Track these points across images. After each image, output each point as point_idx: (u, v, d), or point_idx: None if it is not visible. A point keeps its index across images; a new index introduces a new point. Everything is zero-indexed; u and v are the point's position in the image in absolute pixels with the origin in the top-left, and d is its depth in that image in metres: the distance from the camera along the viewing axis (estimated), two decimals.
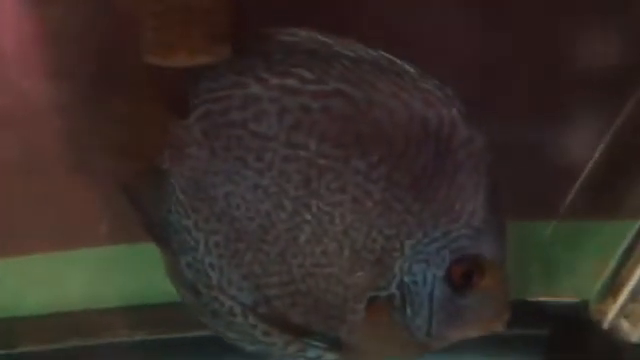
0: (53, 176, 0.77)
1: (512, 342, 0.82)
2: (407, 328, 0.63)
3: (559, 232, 0.84)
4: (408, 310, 0.63)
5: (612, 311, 0.82)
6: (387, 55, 0.61)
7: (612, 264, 0.82)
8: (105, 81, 0.68)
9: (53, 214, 0.80)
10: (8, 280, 0.83)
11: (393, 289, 0.63)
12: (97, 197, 0.77)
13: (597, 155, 0.81)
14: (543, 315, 0.84)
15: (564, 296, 0.85)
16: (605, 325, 0.82)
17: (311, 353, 0.66)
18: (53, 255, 0.83)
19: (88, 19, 0.70)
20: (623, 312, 0.81)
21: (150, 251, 0.68)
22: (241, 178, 0.63)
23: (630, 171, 0.82)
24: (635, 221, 0.81)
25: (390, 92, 0.60)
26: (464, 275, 0.62)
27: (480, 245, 0.61)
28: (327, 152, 0.61)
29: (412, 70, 0.61)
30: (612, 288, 0.82)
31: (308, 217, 0.62)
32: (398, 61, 0.61)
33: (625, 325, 0.81)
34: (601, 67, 0.78)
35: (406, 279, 0.62)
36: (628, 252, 0.81)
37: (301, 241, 0.62)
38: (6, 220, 0.79)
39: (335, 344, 0.65)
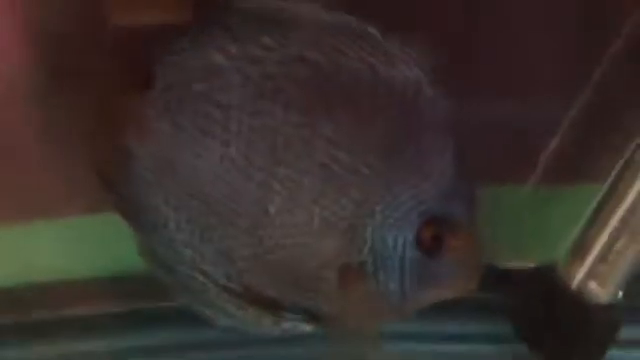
0: (25, 152, 0.77)
1: (481, 307, 0.83)
2: (381, 294, 0.63)
3: (530, 196, 0.85)
4: (381, 275, 0.63)
5: (580, 273, 0.81)
6: (349, 17, 0.61)
7: (580, 226, 0.81)
8: (73, 60, 0.68)
9: (26, 184, 0.79)
10: None
11: (365, 256, 0.62)
12: (71, 168, 0.75)
13: (568, 119, 0.82)
14: (511, 279, 0.84)
15: (533, 261, 0.85)
16: (574, 287, 0.81)
17: (286, 325, 0.66)
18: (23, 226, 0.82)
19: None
20: (591, 274, 0.81)
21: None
22: (208, 151, 0.62)
23: (600, 135, 0.82)
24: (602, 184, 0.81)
25: (354, 55, 0.60)
26: (434, 237, 0.62)
27: (449, 206, 0.62)
28: (293, 119, 0.60)
29: (374, 32, 0.61)
30: (580, 250, 0.81)
31: (277, 187, 0.61)
32: (360, 23, 0.61)
33: (593, 286, 0.81)
34: (571, 31, 0.79)
35: (377, 245, 0.62)
36: (596, 214, 0.80)
37: (271, 212, 0.62)
38: None
39: (310, 315, 0.65)
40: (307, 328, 0.66)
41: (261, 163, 0.61)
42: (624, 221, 0.78)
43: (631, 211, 0.78)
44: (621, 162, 0.79)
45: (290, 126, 0.60)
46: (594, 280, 0.81)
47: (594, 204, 0.81)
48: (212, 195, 0.62)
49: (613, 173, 0.79)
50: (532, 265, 0.84)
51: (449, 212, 0.62)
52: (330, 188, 0.61)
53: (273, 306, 0.65)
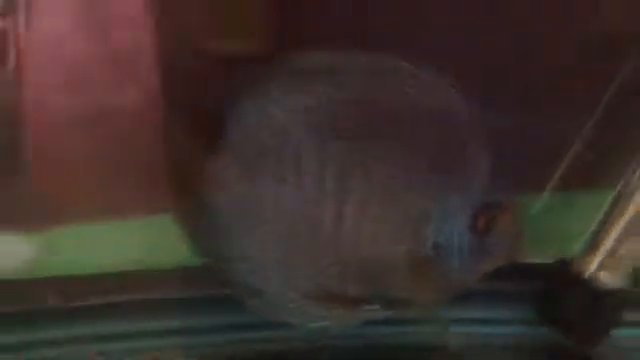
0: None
1: (506, 297, 0.89)
2: (446, 274, 0.70)
3: (548, 204, 0.88)
4: (444, 260, 0.69)
5: (593, 264, 0.88)
6: (382, 57, 0.68)
7: (592, 227, 0.88)
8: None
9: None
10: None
11: (429, 249, 0.69)
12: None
13: (586, 129, 0.85)
14: (534, 272, 0.90)
15: (551, 257, 0.91)
16: (587, 276, 0.89)
17: (367, 315, 0.72)
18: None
19: None
20: (602, 265, 0.88)
21: None
22: (284, 195, 0.66)
23: (611, 147, 0.87)
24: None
25: (393, 90, 0.67)
26: (487, 221, 0.69)
27: (492, 193, 0.69)
28: (348, 149, 0.66)
29: (408, 66, 0.67)
30: (593, 246, 0.88)
31: (348, 209, 0.66)
32: (393, 60, 0.68)
33: (603, 275, 0.88)
34: (588, 40, 0.81)
35: (438, 238, 0.69)
36: (606, 216, 0.87)
37: (345, 229, 0.67)
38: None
39: (389, 302, 0.71)
40: (388, 313, 0.72)
41: (333, 192, 0.66)
42: (631, 223, 0.86)
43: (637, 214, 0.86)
44: (629, 171, 0.86)
45: (348, 155, 0.66)
46: (604, 270, 0.89)
47: (604, 207, 0.87)
48: (293, 230, 0.67)
49: (622, 181, 0.86)
50: (551, 260, 0.91)
51: (493, 198, 0.69)
52: (394, 202, 0.67)
53: (355, 302, 0.70)
